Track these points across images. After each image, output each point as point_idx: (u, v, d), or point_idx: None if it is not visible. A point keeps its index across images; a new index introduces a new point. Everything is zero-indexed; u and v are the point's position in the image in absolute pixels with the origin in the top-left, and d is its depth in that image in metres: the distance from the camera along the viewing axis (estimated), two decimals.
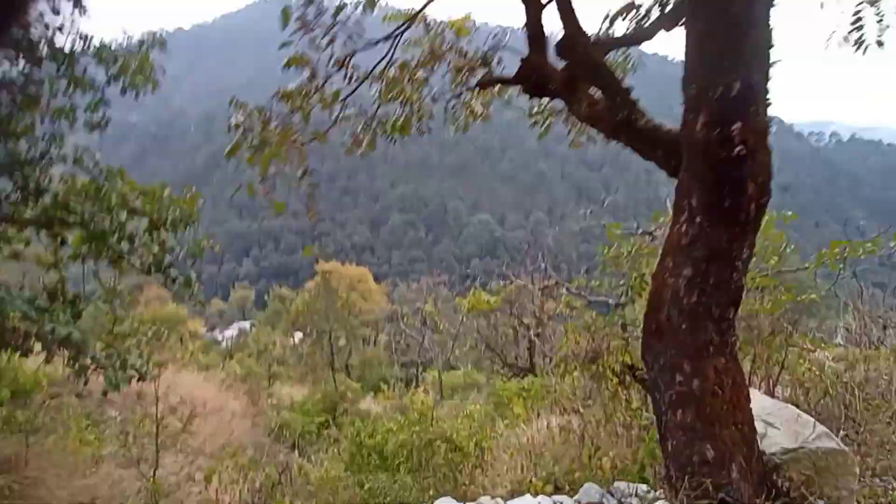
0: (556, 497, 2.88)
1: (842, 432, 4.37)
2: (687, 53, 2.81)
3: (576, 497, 2.89)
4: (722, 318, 2.73)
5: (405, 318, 29.88)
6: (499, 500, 2.85)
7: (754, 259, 5.06)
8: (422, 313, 26.76)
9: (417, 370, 25.64)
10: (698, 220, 2.68)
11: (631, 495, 2.85)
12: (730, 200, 2.55)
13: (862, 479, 3.55)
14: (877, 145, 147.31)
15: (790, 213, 5.06)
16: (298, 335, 32.12)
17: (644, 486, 2.98)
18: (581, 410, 6.00)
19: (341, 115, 5.17)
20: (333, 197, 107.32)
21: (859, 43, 3.02)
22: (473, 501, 2.98)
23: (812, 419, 3.00)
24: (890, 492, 3.31)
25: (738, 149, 2.42)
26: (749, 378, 5.04)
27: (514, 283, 13.71)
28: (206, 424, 14.39)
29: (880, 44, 3.01)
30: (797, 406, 4.85)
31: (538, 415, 7.54)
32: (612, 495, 2.86)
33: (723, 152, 2.48)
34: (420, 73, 5.03)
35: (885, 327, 5.59)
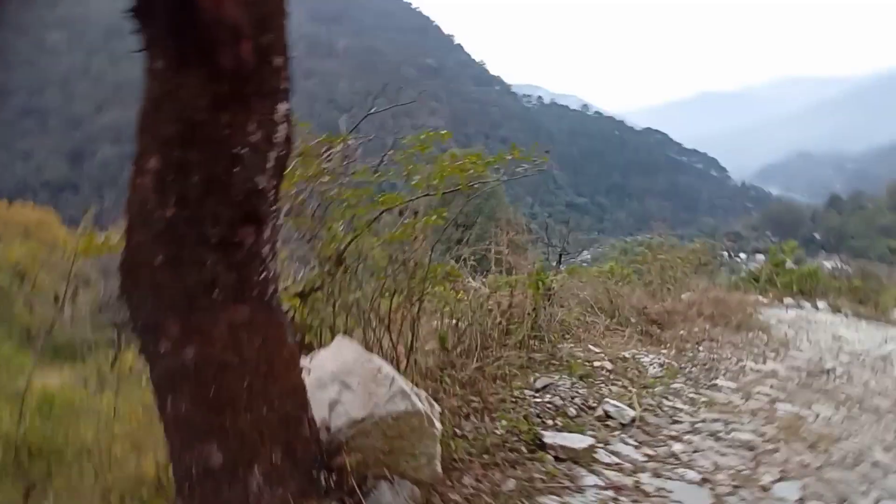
0: None
1: (476, 362, 4.16)
2: None
3: None
4: (228, 244, 1.66)
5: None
6: None
7: (400, 184, 4.44)
8: None
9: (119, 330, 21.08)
10: (160, 65, 1.50)
11: None
12: (183, 18, 1.37)
13: (471, 418, 3.21)
14: (566, 110, 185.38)
15: (445, 132, 4.50)
16: None
17: None
18: None
19: None
20: (7, 118, 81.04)
21: None
22: None
23: (393, 374, 2.29)
24: (491, 429, 2.98)
25: None
26: (400, 313, 4.50)
27: None
28: None
29: None
30: (443, 339, 4.54)
31: None
32: None
33: None
34: None
35: (526, 252, 5.81)
